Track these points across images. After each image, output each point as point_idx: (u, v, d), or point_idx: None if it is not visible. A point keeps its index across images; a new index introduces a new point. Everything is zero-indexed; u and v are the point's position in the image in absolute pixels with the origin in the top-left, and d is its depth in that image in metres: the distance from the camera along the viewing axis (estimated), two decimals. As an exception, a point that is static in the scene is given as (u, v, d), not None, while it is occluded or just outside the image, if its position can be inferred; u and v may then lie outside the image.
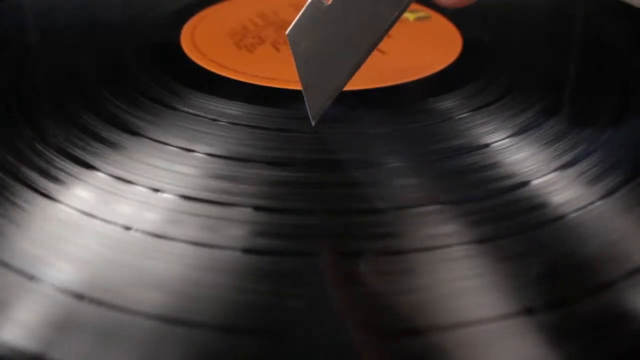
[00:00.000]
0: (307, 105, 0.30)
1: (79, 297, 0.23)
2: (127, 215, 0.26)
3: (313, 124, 0.30)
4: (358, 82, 0.30)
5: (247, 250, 0.24)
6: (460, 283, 0.23)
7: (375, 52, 0.29)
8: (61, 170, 0.28)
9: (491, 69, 0.35)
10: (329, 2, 0.28)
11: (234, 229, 0.25)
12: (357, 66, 0.29)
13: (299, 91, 0.30)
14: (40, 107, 0.33)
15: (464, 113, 0.32)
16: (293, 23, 0.29)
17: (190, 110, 0.31)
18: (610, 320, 0.23)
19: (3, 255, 0.24)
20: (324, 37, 0.29)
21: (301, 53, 0.29)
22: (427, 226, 0.26)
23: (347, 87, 0.30)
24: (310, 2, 0.28)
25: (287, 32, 0.29)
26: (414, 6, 0.41)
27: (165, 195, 0.27)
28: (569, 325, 0.22)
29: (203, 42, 0.38)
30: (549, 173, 0.28)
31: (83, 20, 0.41)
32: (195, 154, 0.29)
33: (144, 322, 0.22)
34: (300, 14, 0.29)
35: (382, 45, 0.31)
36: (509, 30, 0.41)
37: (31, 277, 0.23)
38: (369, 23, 0.28)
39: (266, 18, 0.41)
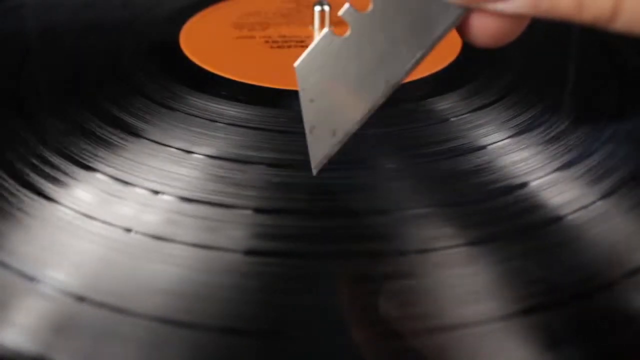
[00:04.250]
0: (309, 151, 0.27)
1: (80, 298, 0.23)
2: (127, 217, 0.26)
3: (315, 172, 0.27)
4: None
5: (247, 252, 0.25)
6: (460, 285, 0.23)
7: None
8: (61, 171, 0.28)
9: (490, 69, 0.35)
10: (345, 35, 0.25)
11: (235, 230, 0.25)
12: (371, 111, 0.26)
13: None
14: (40, 108, 0.33)
15: (463, 114, 0.32)
16: (303, 55, 0.25)
17: (190, 111, 0.31)
18: (610, 321, 0.23)
19: (3, 256, 0.24)
20: (336, 74, 0.25)
21: (308, 90, 0.26)
22: (425, 228, 0.26)
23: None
24: (324, 34, 0.25)
25: (295, 64, 0.25)
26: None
27: (165, 196, 0.27)
28: (569, 326, 0.22)
29: (203, 42, 0.38)
30: (548, 174, 0.28)
31: (83, 20, 0.41)
32: (195, 155, 0.29)
33: (145, 324, 0.22)
34: (312, 45, 0.25)
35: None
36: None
37: (31, 279, 0.23)
38: (388, 62, 0.25)
39: (266, 17, 0.41)
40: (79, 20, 0.41)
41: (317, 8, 0.38)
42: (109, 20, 0.41)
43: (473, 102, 0.32)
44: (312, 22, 0.39)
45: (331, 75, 0.25)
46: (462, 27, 0.24)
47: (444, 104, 0.32)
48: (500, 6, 0.22)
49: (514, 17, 0.23)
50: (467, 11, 0.23)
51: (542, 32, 0.40)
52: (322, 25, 0.38)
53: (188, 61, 0.36)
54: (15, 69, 0.36)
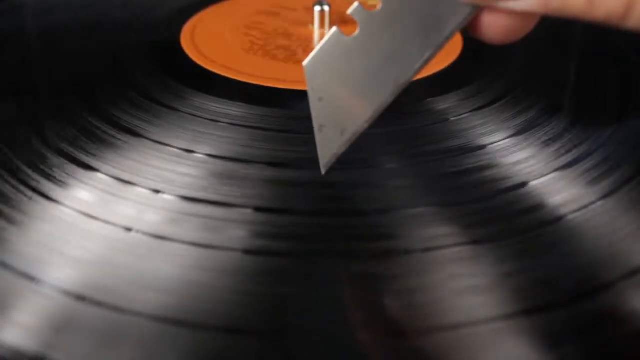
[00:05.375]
0: (318, 150, 0.27)
1: (80, 298, 0.23)
2: (128, 217, 0.26)
3: (323, 171, 0.27)
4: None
5: (247, 252, 0.25)
6: (460, 284, 0.23)
7: None
8: (61, 171, 0.28)
9: (491, 69, 0.35)
10: (354, 34, 0.25)
11: (235, 230, 0.25)
12: (379, 110, 0.26)
13: (299, 91, 0.30)
14: (41, 108, 0.33)
15: (464, 114, 0.32)
16: (312, 54, 0.25)
17: (191, 111, 0.31)
18: (610, 321, 0.23)
19: (4, 256, 0.24)
20: (344, 73, 0.25)
21: (317, 89, 0.26)
22: (425, 227, 0.26)
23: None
24: (333, 33, 0.25)
25: (304, 63, 0.25)
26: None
27: (166, 196, 0.27)
28: (569, 326, 0.22)
29: (203, 42, 0.38)
30: (548, 174, 0.28)
31: (83, 20, 0.41)
32: (196, 154, 0.29)
33: (145, 323, 0.22)
34: (321, 43, 0.25)
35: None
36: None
37: (32, 279, 0.23)
38: (397, 62, 0.25)
39: (267, 18, 0.41)
40: (79, 20, 0.41)
41: (317, 8, 0.38)
42: (109, 20, 0.41)
43: (473, 102, 0.32)
44: (312, 22, 0.39)
45: (340, 74, 0.25)
46: (472, 24, 0.24)
47: (444, 104, 0.32)
48: (511, 4, 0.22)
49: (525, 15, 0.23)
50: (477, 10, 0.23)
51: (542, 32, 0.40)
52: (322, 25, 0.38)
53: (189, 61, 0.36)
54: (16, 68, 0.36)
